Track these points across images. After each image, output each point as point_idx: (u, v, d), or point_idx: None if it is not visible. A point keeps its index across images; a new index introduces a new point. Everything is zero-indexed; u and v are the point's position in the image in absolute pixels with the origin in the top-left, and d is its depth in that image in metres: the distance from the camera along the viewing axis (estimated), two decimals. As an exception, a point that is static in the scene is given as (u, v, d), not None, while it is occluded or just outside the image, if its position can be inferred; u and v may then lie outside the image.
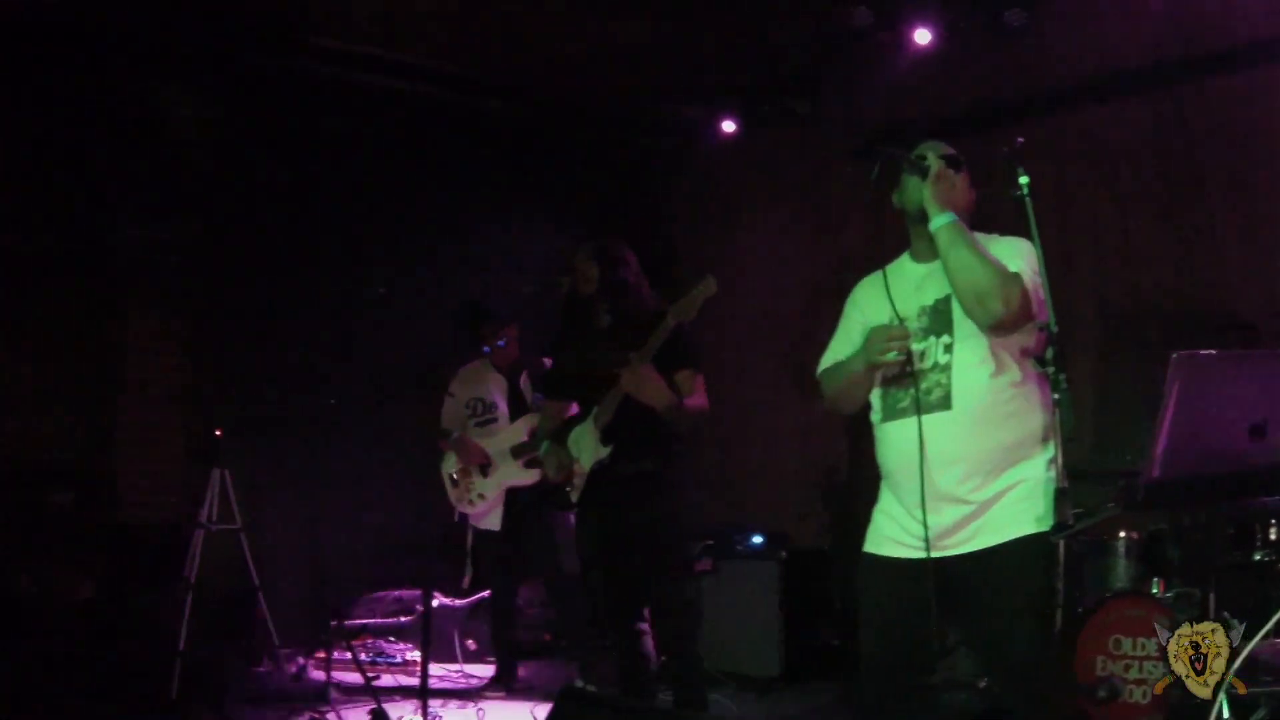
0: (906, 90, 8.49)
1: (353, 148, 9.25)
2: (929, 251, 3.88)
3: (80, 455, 8.24)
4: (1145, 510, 5.77)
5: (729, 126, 9.41)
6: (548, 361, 6.86)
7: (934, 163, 3.84)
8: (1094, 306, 7.73)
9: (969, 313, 3.71)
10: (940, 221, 3.76)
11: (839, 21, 7.82)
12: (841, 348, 4.09)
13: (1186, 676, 3.37)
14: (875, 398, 3.96)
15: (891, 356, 3.77)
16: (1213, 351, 3.88)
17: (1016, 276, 3.68)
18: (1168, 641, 3.47)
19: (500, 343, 7.70)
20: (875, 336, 3.80)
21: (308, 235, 9.19)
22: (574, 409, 5.97)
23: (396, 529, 9.01)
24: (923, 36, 7.82)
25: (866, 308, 4.04)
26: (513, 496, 7.56)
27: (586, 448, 5.71)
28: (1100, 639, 5.56)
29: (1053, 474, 3.68)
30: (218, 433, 7.77)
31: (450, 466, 7.66)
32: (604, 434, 5.60)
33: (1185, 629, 3.38)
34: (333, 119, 9.13)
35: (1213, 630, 3.34)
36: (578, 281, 5.77)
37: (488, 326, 7.71)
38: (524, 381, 7.76)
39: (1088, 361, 7.62)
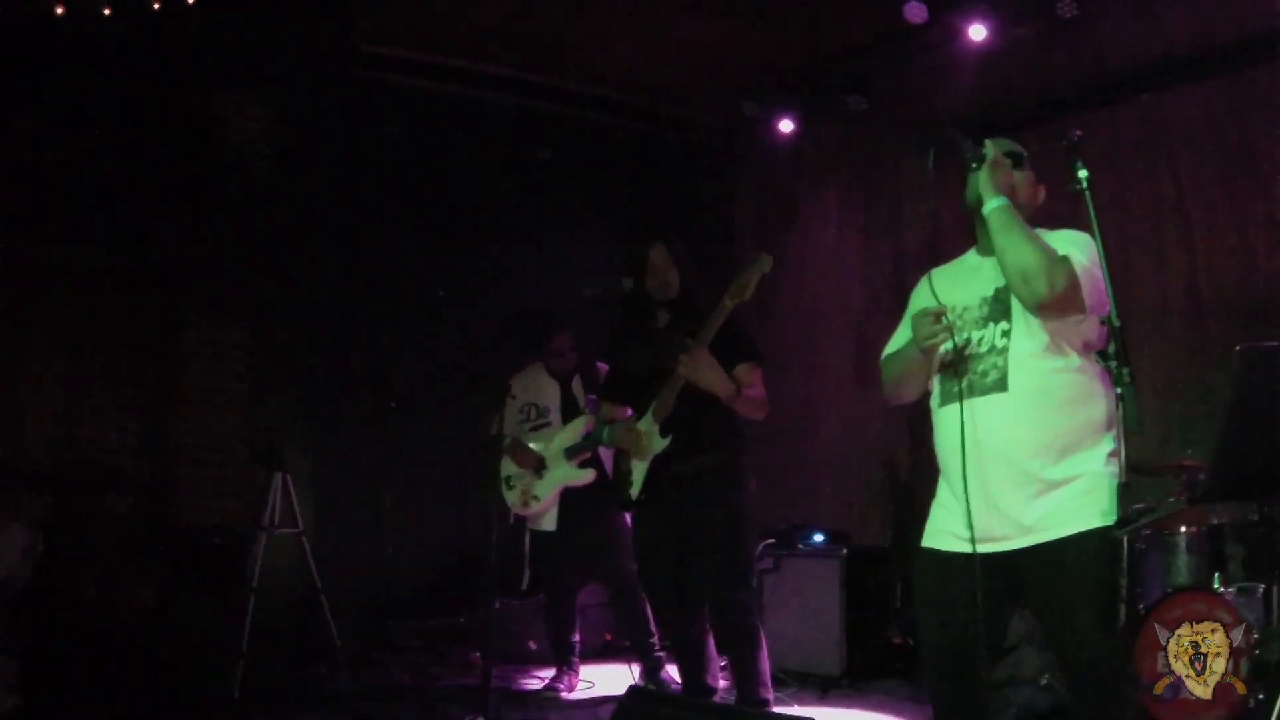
0: (962, 85, 8.45)
1: (410, 153, 9.30)
2: (990, 244, 3.87)
3: (140, 461, 8.33)
4: (1209, 503, 5.75)
5: (786, 125, 9.38)
6: (603, 367, 6.89)
7: (990, 150, 3.88)
8: (1154, 299, 7.66)
9: (1015, 293, 3.73)
10: (992, 205, 3.79)
11: (893, 18, 7.78)
12: (902, 337, 4.12)
13: (1186, 677, 3.35)
14: (935, 383, 3.99)
15: (933, 341, 3.80)
16: (1276, 344, 3.85)
17: (1065, 260, 3.68)
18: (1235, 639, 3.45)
19: (557, 349, 7.71)
20: (918, 320, 3.84)
21: (366, 241, 9.29)
22: (629, 412, 5.97)
23: (456, 531, 9.05)
24: (978, 32, 7.77)
25: (928, 299, 4.04)
26: (568, 497, 7.58)
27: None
28: (1162, 634, 5.52)
29: (1113, 468, 3.70)
30: (278, 437, 7.82)
31: (506, 469, 7.69)
32: (663, 427, 5.58)
33: (1185, 629, 3.35)
34: (390, 125, 9.18)
35: (1212, 630, 3.32)
36: (652, 283, 5.75)
37: (545, 332, 7.74)
38: (576, 385, 7.78)
39: (1147, 355, 7.55)
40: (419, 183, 9.36)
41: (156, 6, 7.46)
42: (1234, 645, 5.05)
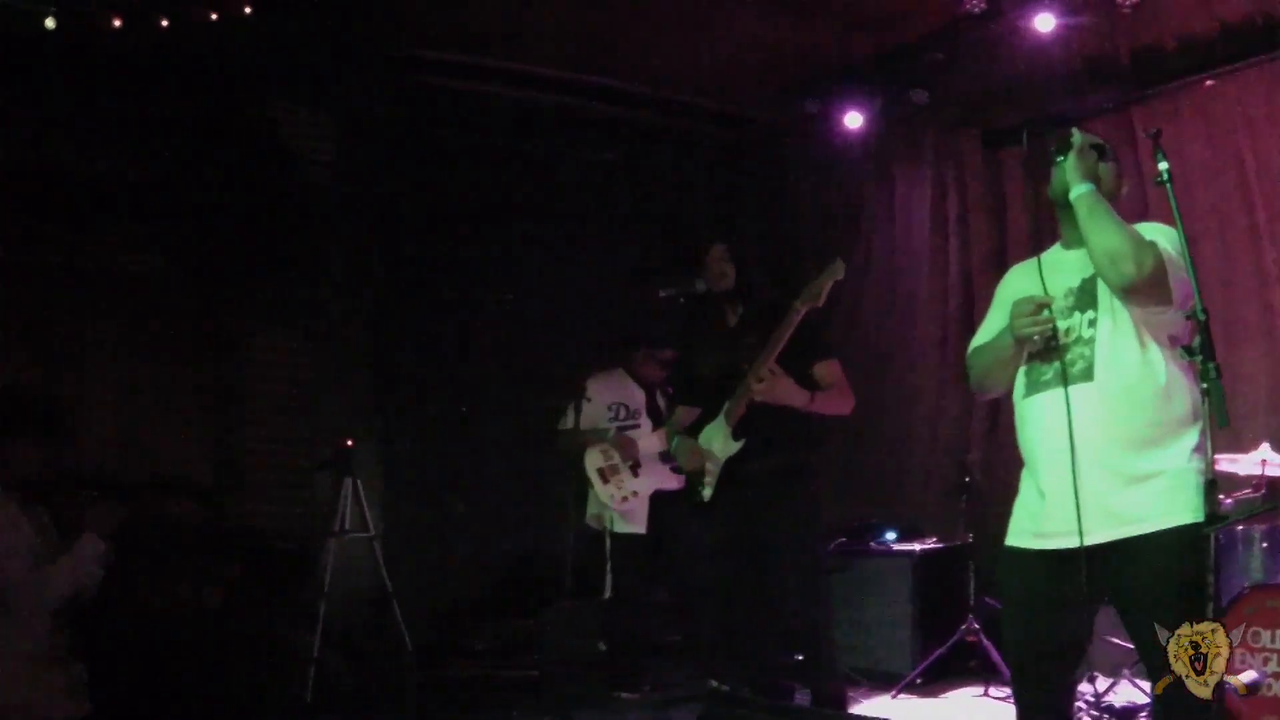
0: (1022, 76, 8.41)
1: (469, 157, 9.37)
2: (1078, 238, 3.85)
3: (206, 468, 8.38)
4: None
5: (851, 121, 9.32)
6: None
7: (1077, 139, 3.86)
8: (1220, 290, 7.57)
9: (1103, 276, 3.71)
10: (1079, 190, 3.78)
11: (956, 10, 7.74)
12: (991, 329, 4.09)
13: (1186, 676, 3.31)
14: (1020, 374, 3.95)
15: (1035, 330, 3.79)
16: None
17: (1152, 245, 3.68)
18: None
19: (664, 359, 7.73)
20: (1018, 307, 3.83)
21: (429, 245, 9.32)
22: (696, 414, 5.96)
23: (526, 533, 9.09)
24: (1045, 22, 7.70)
25: (1017, 292, 4.01)
26: (658, 500, 7.60)
27: (717, 444, 5.71)
28: (1239, 631, 5.47)
29: (1197, 464, 3.66)
30: (349, 443, 7.86)
31: (597, 462, 7.68)
32: (736, 429, 5.58)
33: (1185, 629, 3.31)
34: (447, 129, 9.22)
35: (1212, 630, 3.28)
36: (712, 280, 5.77)
37: (647, 347, 7.77)
38: (660, 397, 7.80)
39: (1220, 349, 7.45)
40: (479, 186, 9.41)
41: (214, 17, 7.51)
42: None
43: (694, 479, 5.87)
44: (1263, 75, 7.49)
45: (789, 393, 5.36)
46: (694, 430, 5.89)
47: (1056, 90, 8.40)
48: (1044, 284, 3.89)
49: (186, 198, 8.38)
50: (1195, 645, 3.29)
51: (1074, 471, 3.63)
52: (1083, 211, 3.74)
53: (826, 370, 5.52)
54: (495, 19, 8.35)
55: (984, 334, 4.14)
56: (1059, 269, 3.94)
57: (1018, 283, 4.10)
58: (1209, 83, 7.74)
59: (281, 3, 7.75)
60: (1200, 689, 3.29)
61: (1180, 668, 3.31)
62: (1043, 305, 3.79)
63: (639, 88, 9.52)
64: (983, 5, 7.69)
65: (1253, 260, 7.52)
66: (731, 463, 5.65)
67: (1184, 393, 3.74)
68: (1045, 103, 8.38)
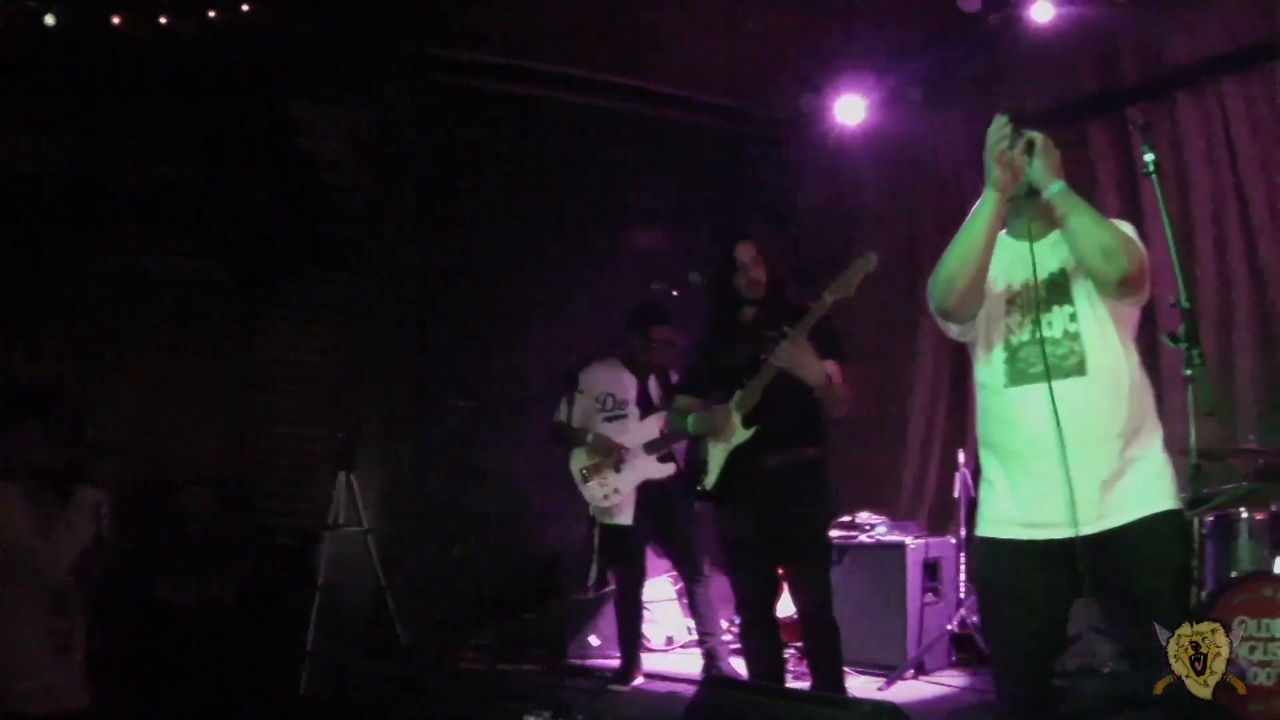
0: (1023, 76, 8.44)
1: (489, 156, 9.44)
2: (1027, 230, 3.86)
3: (222, 462, 8.42)
4: (1276, 481, 5.72)
5: (848, 117, 9.33)
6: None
7: (1039, 137, 3.82)
8: (1215, 283, 7.63)
9: (1094, 270, 3.69)
10: (1057, 187, 3.75)
11: (951, 7, 7.76)
12: None
13: (1186, 676, 3.33)
14: (1000, 361, 3.89)
15: (1009, 147, 3.75)
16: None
17: (1134, 240, 3.72)
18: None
19: (659, 338, 7.76)
20: (991, 144, 3.78)
21: (448, 244, 9.36)
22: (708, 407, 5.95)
23: (527, 528, 9.14)
24: (1042, 11, 7.72)
25: None
26: (645, 490, 7.64)
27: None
28: (1225, 621, 5.48)
29: (1168, 454, 3.73)
30: (354, 438, 7.90)
31: (581, 462, 7.73)
32: (748, 418, 5.58)
33: (1185, 629, 3.34)
34: (470, 128, 9.27)
35: (1212, 630, 3.30)
36: (741, 280, 5.75)
37: (647, 321, 7.80)
38: (652, 383, 7.84)
39: (1211, 338, 7.52)
40: (499, 185, 9.46)
41: (212, 15, 7.55)
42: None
43: (697, 467, 5.85)
44: (1263, 76, 7.52)
45: (810, 366, 5.34)
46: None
47: (1058, 92, 8.45)
48: (1034, 270, 3.85)
49: (212, 197, 8.43)
50: (1195, 645, 3.31)
51: (1066, 463, 3.65)
52: (1066, 208, 3.73)
53: (834, 370, 5.51)
54: (511, 18, 8.38)
55: None
56: (1012, 258, 3.92)
57: None
58: (1208, 81, 7.78)
59: (310, 2, 7.78)
60: (1200, 689, 3.31)
61: (1180, 668, 3.34)
62: (1006, 136, 3.76)
63: (657, 86, 9.53)
64: (977, 4, 7.72)
65: (1248, 256, 7.56)
66: (738, 453, 5.66)
67: (1149, 384, 3.82)
68: (1042, 99, 8.42)
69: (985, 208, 3.82)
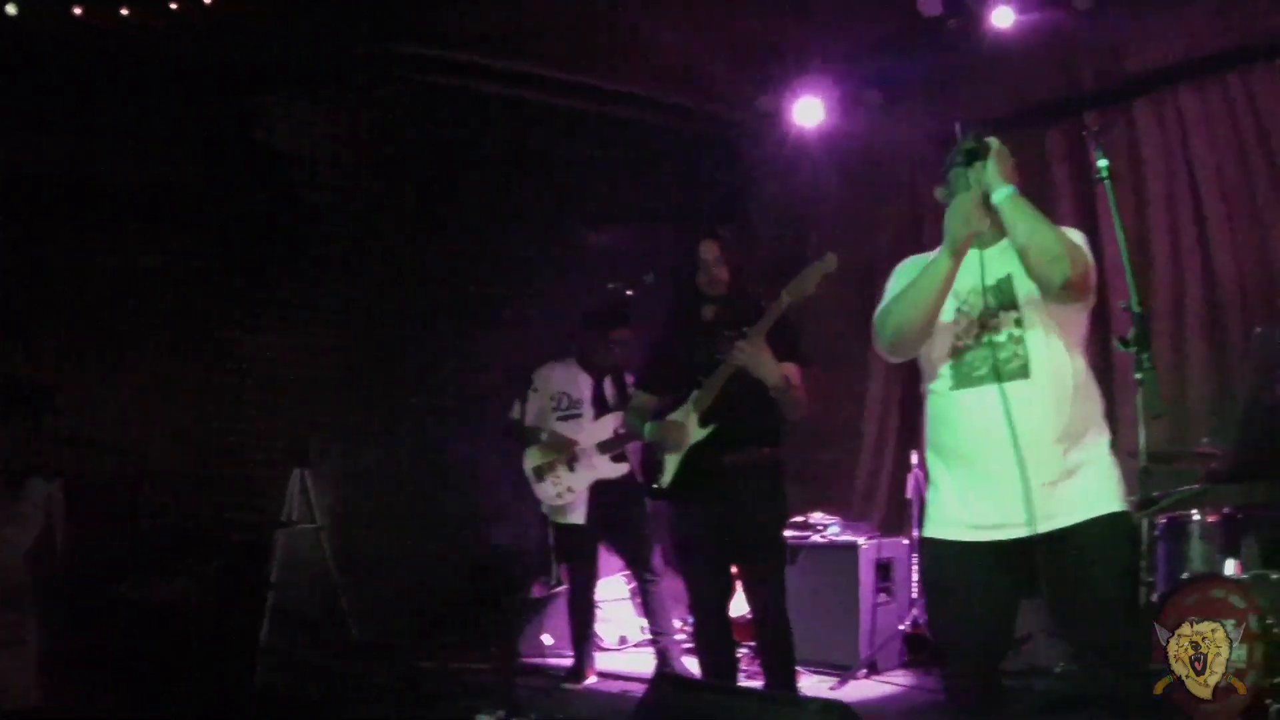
0: (981, 82, 8.47)
1: (452, 152, 9.36)
2: (980, 239, 3.90)
3: (179, 459, 8.36)
4: (1229, 484, 5.77)
5: (806, 118, 9.33)
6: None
7: (995, 143, 3.88)
8: (1170, 288, 7.69)
9: (1039, 275, 3.73)
10: (1005, 192, 3.80)
11: (910, 10, 7.78)
12: (898, 288, 4.06)
13: (1186, 676, 3.36)
14: (946, 368, 3.94)
15: (971, 229, 3.80)
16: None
17: (1080, 247, 3.77)
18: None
19: (617, 339, 7.75)
20: (955, 212, 3.85)
21: (408, 241, 9.34)
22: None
23: (481, 526, 9.12)
24: (1003, 16, 7.75)
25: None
26: (598, 489, 7.64)
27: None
28: (1176, 622, 5.53)
29: (1114, 457, 3.80)
30: (310, 435, 7.88)
31: (534, 460, 7.73)
32: (704, 417, 5.58)
33: (1185, 629, 3.36)
34: (432, 125, 9.23)
35: (1212, 630, 3.33)
36: (702, 279, 5.75)
37: (607, 323, 7.78)
38: (608, 383, 7.83)
39: (1165, 343, 7.59)
40: (461, 183, 9.42)
41: (174, 6, 7.49)
42: (1251, 633, 5.10)
43: (653, 466, 5.85)
44: (1219, 85, 7.59)
45: (767, 366, 5.34)
46: (658, 418, 5.87)
47: (1016, 97, 8.49)
48: (983, 276, 3.90)
49: (177, 194, 8.36)
50: (1195, 645, 3.34)
51: (1010, 465, 3.68)
52: (1014, 213, 3.77)
53: (792, 372, 5.51)
54: (473, 17, 8.31)
55: (890, 296, 4.09)
56: (965, 268, 3.93)
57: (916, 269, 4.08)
58: (1166, 89, 7.84)
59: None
60: (1200, 689, 3.34)
61: (1180, 668, 3.36)
62: (978, 205, 3.81)
63: (614, 84, 9.51)
64: (938, 8, 7.75)
65: (1203, 263, 7.62)
66: (697, 451, 5.66)
67: (1096, 388, 3.87)
68: (1001, 104, 8.45)
69: (940, 269, 3.88)
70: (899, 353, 4.04)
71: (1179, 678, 3.37)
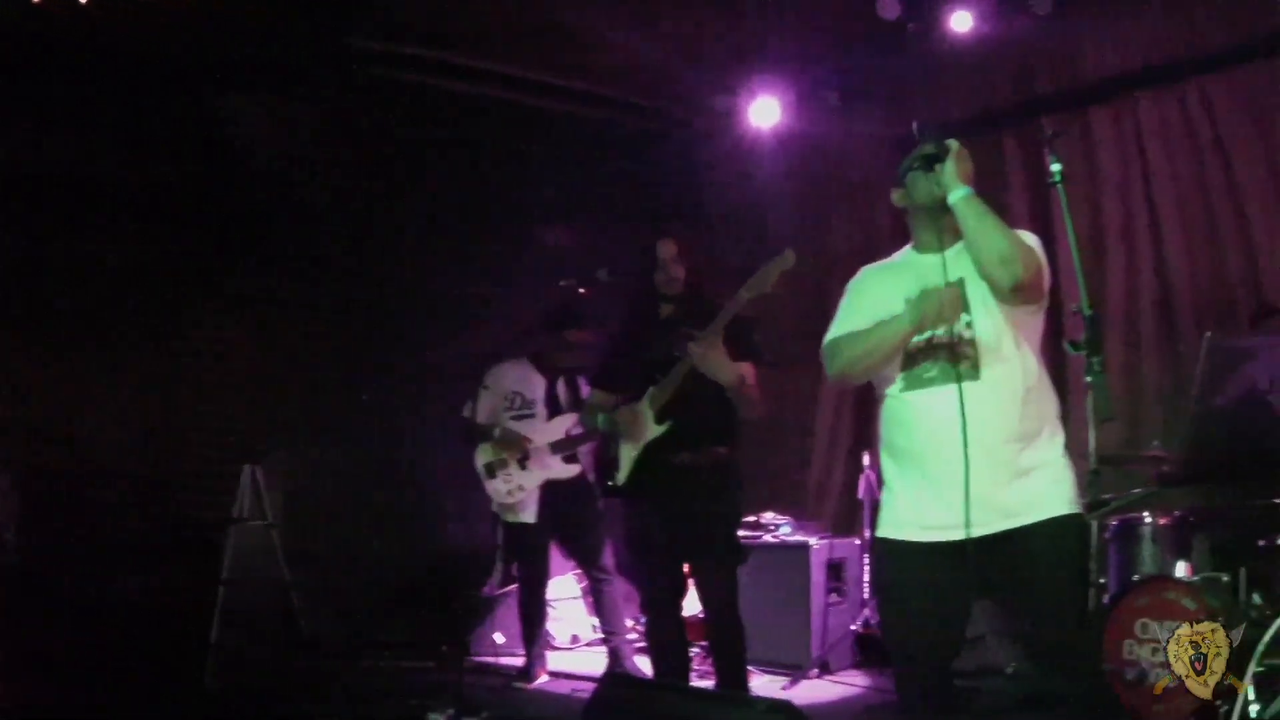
0: (939, 85, 8.50)
1: (411, 149, 9.35)
2: (936, 242, 3.92)
3: (135, 455, 8.30)
4: (1179, 487, 5.81)
5: (762, 119, 9.33)
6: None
7: (954, 144, 3.89)
8: (1124, 292, 7.75)
9: (991, 277, 3.75)
10: (961, 193, 3.81)
11: (867, 12, 7.80)
12: (852, 323, 4.05)
13: (1186, 676, 3.38)
14: (897, 367, 3.95)
15: (946, 318, 3.81)
16: (1243, 334, 3.92)
17: (1033, 249, 3.78)
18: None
19: (573, 340, 7.72)
20: (929, 297, 3.85)
21: (367, 237, 9.30)
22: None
23: (433, 524, 9.10)
24: (961, 21, 7.79)
25: (879, 293, 4.05)
26: (549, 489, 7.63)
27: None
28: (1128, 623, 5.57)
29: (1068, 459, 3.80)
30: (266, 432, 7.84)
31: (486, 457, 7.71)
32: (660, 414, 5.56)
33: (1185, 629, 3.38)
34: (390, 120, 9.19)
35: (1212, 630, 3.35)
36: (660, 277, 5.73)
37: (563, 323, 7.75)
38: (560, 385, 7.81)
39: (1118, 347, 7.65)
40: (420, 179, 9.38)
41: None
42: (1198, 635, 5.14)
43: (608, 464, 5.83)
44: (1175, 93, 7.66)
45: (722, 365, 5.32)
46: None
47: (974, 101, 8.53)
48: (945, 279, 3.89)
49: (126, 185, 8.29)
50: (1195, 645, 3.35)
51: (966, 466, 3.68)
52: (970, 214, 3.79)
53: (747, 372, 5.50)
54: (424, 11, 8.28)
55: (842, 326, 4.09)
56: (917, 271, 3.97)
57: (877, 283, 4.12)
58: (1122, 95, 7.89)
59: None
60: (1201, 689, 3.35)
61: (1180, 668, 3.37)
62: (956, 294, 3.83)
63: (575, 82, 9.48)
64: (896, 11, 7.76)
65: (1157, 267, 7.68)
66: (650, 449, 5.64)
67: (1052, 392, 3.89)
68: (958, 107, 8.49)
69: (897, 334, 3.90)
70: (846, 384, 4.09)
71: (1179, 678, 3.38)
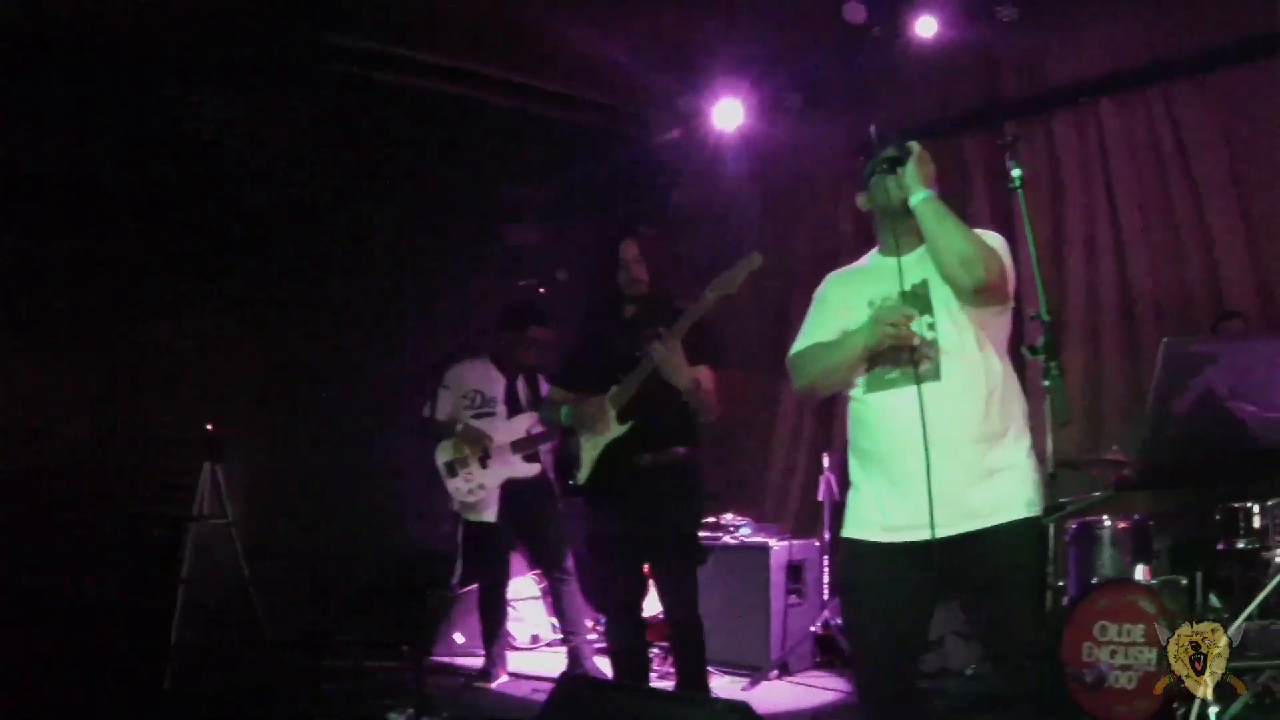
0: (904, 89, 8.53)
1: (371, 146, 9.31)
2: (899, 246, 3.93)
3: (92, 453, 8.24)
4: (1137, 490, 5.85)
5: (726, 121, 9.34)
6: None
7: (915, 147, 3.90)
8: (1086, 297, 7.80)
9: (953, 279, 3.77)
10: (923, 195, 3.83)
11: (834, 17, 7.81)
12: (815, 333, 4.08)
13: (1186, 676, 3.39)
14: (860, 369, 3.95)
15: (901, 341, 3.80)
16: (1200, 338, 3.94)
17: (995, 251, 3.79)
18: (1165, 636, 3.50)
19: (534, 338, 7.70)
20: (888, 314, 3.83)
21: (327, 235, 9.26)
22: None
23: (394, 523, 9.07)
24: (927, 26, 7.82)
25: (843, 299, 4.07)
26: (509, 488, 7.61)
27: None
28: (1087, 625, 5.60)
29: (1033, 460, 3.81)
30: (210, 428, 7.80)
31: (447, 455, 7.69)
32: (621, 413, 5.56)
33: (1185, 629, 3.40)
34: (351, 118, 9.15)
35: (1212, 630, 3.37)
36: (623, 277, 5.72)
37: (523, 320, 7.73)
38: (520, 384, 7.80)
39: (1079, 352, 7.69)
40: (376, 177, 9.35)
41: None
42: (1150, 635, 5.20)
43: (568, 462, 5.83)
44: (1139, 99, 7.71)
45: (678, 369, 5.32)
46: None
47: (938, 105, 8.57)
48: (900, 283, 3.91)
49: (80, 181, 8.23)
50: (1195, 645, 3.36)
51: (928, 467, 3.69)
52: (931, 216, 3.80)
53: (705, 376, 5.50)
54: (389, 7, 8.26)
55: (808, 338, 4.12)
56: (882, 275, 3.97)
57: (842, 290, 4.13)
58: (1083, 104, 7.94)
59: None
60: (1200, 689, 3.36)
61: (1180, 668, 3.38)
62: (909, 317, 3.82)
63: (537, 81, 9.46)
64: (862, 15, 7.78)
65: (1118, 272, 7.73)
66: (611, 448, 5.64)
67: (1017, 392, 3.89)
68: (922, 111, 8.52)
69: (855, 351, 3.91)
70: (813, 397, 4.10)
71: (1179, 677, 3.40)
